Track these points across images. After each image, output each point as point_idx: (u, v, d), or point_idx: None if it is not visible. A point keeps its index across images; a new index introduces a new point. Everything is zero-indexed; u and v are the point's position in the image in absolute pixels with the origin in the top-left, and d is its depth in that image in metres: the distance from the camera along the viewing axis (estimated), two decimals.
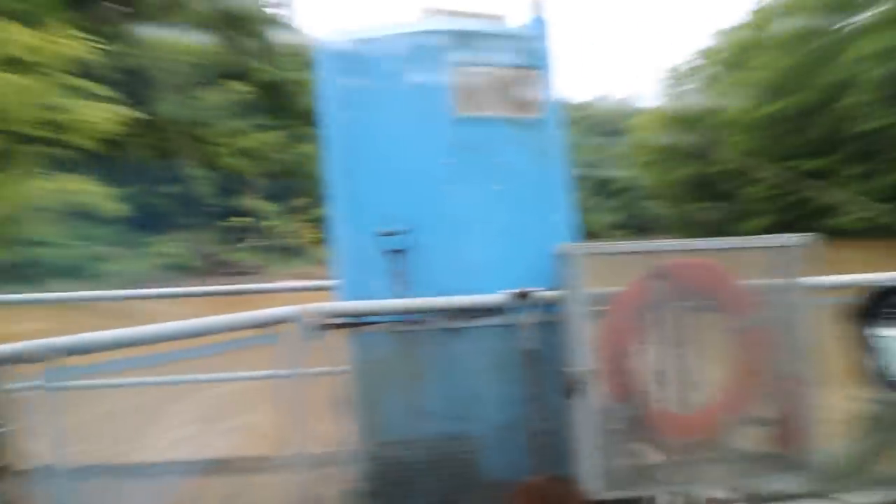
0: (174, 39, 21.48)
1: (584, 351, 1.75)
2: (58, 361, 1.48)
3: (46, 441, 1.46)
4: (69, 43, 16.07)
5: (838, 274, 2.08)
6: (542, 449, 1.86)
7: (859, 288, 1.98)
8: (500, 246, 2.04)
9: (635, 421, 1.78)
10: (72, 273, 17.26)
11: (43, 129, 15.56)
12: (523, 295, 1.82)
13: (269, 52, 27.93)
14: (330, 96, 2.10)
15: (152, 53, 21.29)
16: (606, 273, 1.80)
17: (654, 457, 1.80)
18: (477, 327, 1.88)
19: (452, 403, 1.91)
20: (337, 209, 2.10)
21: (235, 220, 22.44)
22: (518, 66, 2.08)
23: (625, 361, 1.77)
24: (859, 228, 16.01)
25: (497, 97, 2.06)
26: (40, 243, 17.35)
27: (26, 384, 1.49)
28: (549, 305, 1.86)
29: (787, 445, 1.79)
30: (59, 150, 16.28)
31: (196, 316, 1.66)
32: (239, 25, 25.90)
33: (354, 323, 1.85)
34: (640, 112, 34.08)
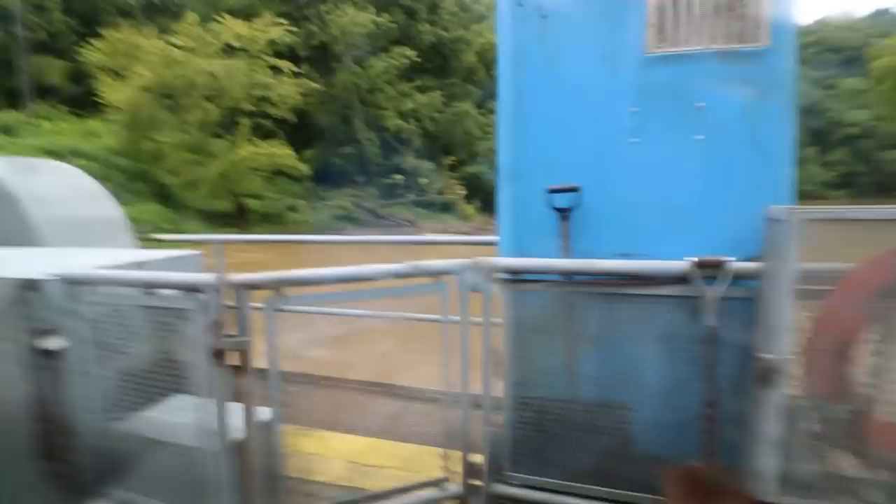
0: (353, 14, 23.60)
1: (786, 335, 1.48)
2: (279, 291, 1.84)
3: (267, 352, 1.84)
4: (271, 28, 19.01)
5: None
6: (709, 434, 1.68)
7: None
8: (691, 207, 1.80)
9: (843, 425, 1.50)
10: (271, 220, 21.21)
11: (251, 102, 19.00)
12: (712, 264, 1.59)
13: (435, 11, 28.75)
14: (506, 41, 2.00)
15: (334, 29, 23.80)
16: (831, 245, 1.45)
17: (847, 468, 1.53)
18: (649, 295, 1.73)
19: (611, 371, 1.83)
20: (505, 162, 2.05)
21: (394, 178, 24.52)
22: None
23: (843, 354, 1.45)
24: None
25: (706, 26, 1.75)
26: (250, 196, 21.51)
27: (257, 305, 1.87)
28: (744, 279, 1.61)
29: None
30: (261, 120, 19.74)
31: (359, 261, 1.87)
32: None
33: (518, 279, 1.87)
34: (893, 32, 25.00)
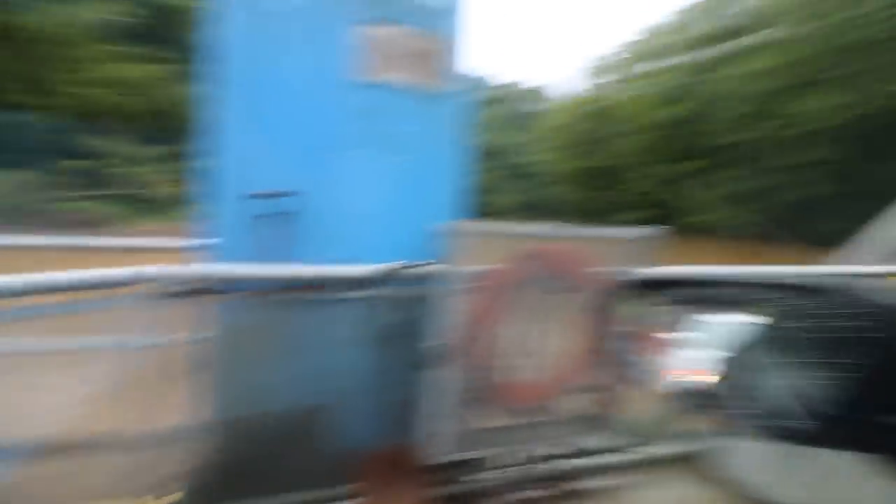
0: None
1: (445, 325, 1.84)
2: None
3: None
4: None
5: (685, 265, 2.42)
6: (394, 419, 1.95)
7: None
8: (385, 219, 2.03)
9: (481, 390, 1.91)
10: None
11: None
12: (390, 270, 1.85)
13: None
14: (227, 34, 1.87)
15: None
16: (486, 253, 1.87)
17: (494, 421, 1.97)
18: (342, 299, 1.88)
19: (312, 375, 1.89)
20: (215, 163, 1.90)
21: (79, 163, 18.72)
22: (427, 33, 2.05)
23: (482, 335, 1.88)
24: (708, 226, 18.96)
25: (403, 63, 2.02)
26: None
27: None
28: (422, 281, 1.92)
29: (605, 409, 2.11)
30: None
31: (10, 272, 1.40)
32: None
33: (215, 289, 1.74)
34: (556, 99, 35.63)
